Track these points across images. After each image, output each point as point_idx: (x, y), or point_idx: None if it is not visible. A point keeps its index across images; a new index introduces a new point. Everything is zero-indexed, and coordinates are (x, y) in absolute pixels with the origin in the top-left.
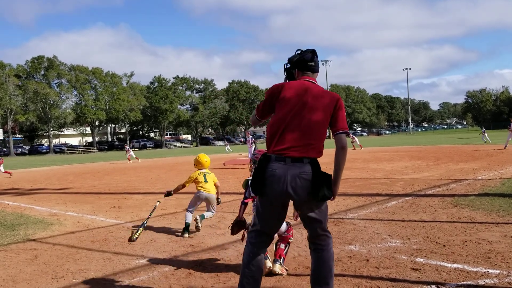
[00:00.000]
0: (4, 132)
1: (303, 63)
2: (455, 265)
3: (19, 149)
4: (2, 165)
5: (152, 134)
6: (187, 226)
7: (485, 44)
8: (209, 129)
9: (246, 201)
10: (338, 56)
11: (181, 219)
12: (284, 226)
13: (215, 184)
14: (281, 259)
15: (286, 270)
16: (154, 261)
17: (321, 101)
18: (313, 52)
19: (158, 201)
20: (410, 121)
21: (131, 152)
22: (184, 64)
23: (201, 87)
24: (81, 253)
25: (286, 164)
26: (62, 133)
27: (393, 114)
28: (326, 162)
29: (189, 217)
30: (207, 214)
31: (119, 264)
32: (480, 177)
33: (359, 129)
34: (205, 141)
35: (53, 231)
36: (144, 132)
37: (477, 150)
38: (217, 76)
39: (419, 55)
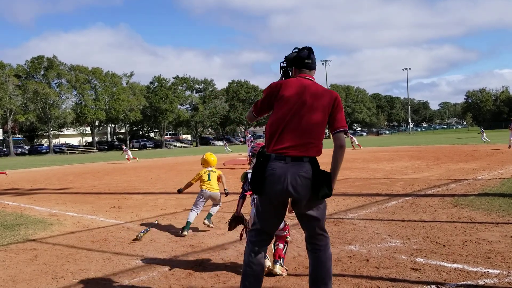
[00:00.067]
0: (4, 132)
1: (300, 60)
2: (455, 265)
3: (19, 149)
4: None
5: (152, 134)
6: (187, 224)
7: (485, 44)
8: (209, 129)
9: (245, 194)
10: (338, 56)
11: (181, 219)
12: (281, 224)
13: (219, 178)
14: (281, 260)
15: (286, 270)
16: (154, 261)
17: (320, 100)
18: (309, 50)
19: (156, 221)
20: (410, 121)
21: (129, 152)
22: (184, 64)
23: (201, 87)
24: (81, 253)
25: (286, 163)
26: (62, 133)
27: (393, 114)
28: (326, 162)
29: (191, 216)
30: (214, 210)
31: (119, 264)
32: (480, 177)
33: (359, 129)
34: (205, 141)
35: (53, 231)
36: (144, 132)
37: (477, 150)
38: (217, 76)
39: (419, 55)
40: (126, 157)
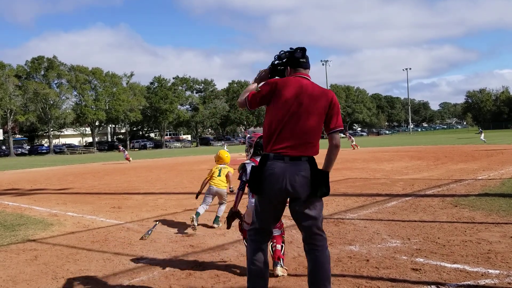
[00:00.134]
0: (4, 133)
1: (295, 60)
2: (455, 265)
3: (19, 149)
4: None
5: (152, 134)
6: (196, 214)
7: (485, 44)
8: (209, 129)
9: (245, 185)
10: (338, 56)
11: (181, 219)
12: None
13: (227, 175)
14: (281, 261)
15: (286, 270)
16: (154, 262)
17: (317, 102)
18: (302, 50)
19: (156, 221)
20: (410, 121)
21: (126, 152)
22: (184, 64)
23: (201, 87)
24: (81, 254)
25: (284, 163)
26: (62, 133)
27: (393, 114)
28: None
29: (200, 208)
30: (221, 211)
31: (119, 265)
32: (480, 177)
33: (359, 129)
34: (205, 141)
35: (53, 232)
36: (144, 132)
37: (477, 150)
38: (217, 76)
39: (419, 55)
40: (126, 157)
